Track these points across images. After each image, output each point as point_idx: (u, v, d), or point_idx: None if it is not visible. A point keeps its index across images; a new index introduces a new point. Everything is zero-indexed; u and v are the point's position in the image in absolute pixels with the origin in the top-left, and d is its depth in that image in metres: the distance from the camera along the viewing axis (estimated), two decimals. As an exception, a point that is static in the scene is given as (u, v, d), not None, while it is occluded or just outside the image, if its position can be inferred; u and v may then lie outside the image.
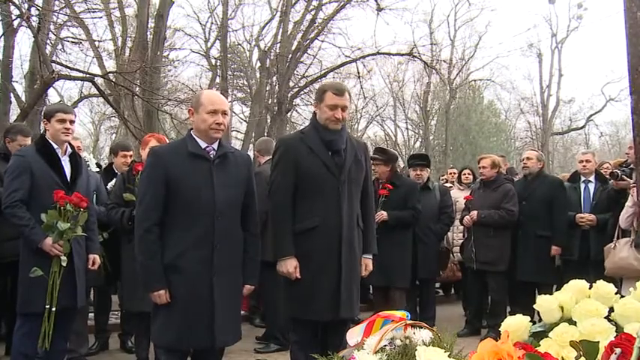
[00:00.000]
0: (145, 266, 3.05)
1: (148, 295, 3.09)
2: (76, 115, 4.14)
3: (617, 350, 1.32)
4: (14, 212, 3.73)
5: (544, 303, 1.76)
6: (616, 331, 1.53)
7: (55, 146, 3.90)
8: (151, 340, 3.46)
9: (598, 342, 1.35)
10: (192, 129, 3.23)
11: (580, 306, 1.67)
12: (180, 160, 3.11)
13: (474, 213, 6.10)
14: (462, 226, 6.68)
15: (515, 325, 1.71)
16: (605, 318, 1.61)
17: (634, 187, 5.04)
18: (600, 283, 1.76)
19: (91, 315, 5.57)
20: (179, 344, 3.09)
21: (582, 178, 6.13)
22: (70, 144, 4.05)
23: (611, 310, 1.67)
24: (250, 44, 20.85)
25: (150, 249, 3.04)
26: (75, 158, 4.03)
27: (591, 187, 6.09)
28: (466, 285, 7.03)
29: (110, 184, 5.16)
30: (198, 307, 3.05)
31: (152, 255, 3.03)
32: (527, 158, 6.32)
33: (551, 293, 6.23)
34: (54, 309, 3.70)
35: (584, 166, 6.09)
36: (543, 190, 6.04)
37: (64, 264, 3.73)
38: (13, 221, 3.78)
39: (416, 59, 18.78)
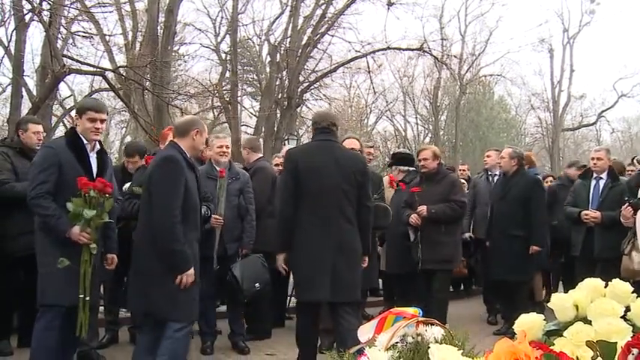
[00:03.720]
0: (179, 252, 3.57)
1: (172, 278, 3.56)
2: (107, 113, 4.13)
3: (635, 351, 1.30)
4: (39, 203, 3.67)
5: (558, 301, 1.74)
6: (633, 331, 1.51)
7: (85, 142, 3.87)
8: (169, 316, 3.64)
9: (616, 343, 1.33)
10: (175, 140, 3.84)
11: (595, 305, 1.65)
12: (187, 170, 3.72)
13: (423, 208, 5.54)
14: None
15: (529, 323, 1.69)
16: (621, 317, 1.59)
17: None
18: (616, 282, 1.74)
19: (102, 308, 5.60)
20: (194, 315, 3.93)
21: (594, 175, 6.08)
22: (99, 141, 4.03)
23: (628, 309, 1.65)
24: (260, 39, 20.83)
25: (181, 238, 3.57)
26: (102, 155, 3.99)
27: (602, 183, 6.02)
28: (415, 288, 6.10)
29: (126, 187, 5.08)
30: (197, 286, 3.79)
31: (183, 242, 3.58)
32: (501, 157, 6.32)
33: (525, 291, 6.20)
34: (88, 298, 3.68)
35: (594, 164, 6.04)
36: (519, 188, 6.01)
37: (94, 252, 3.70)
38: (37, 212, 3.73)
39: (426, 54, 18.76)
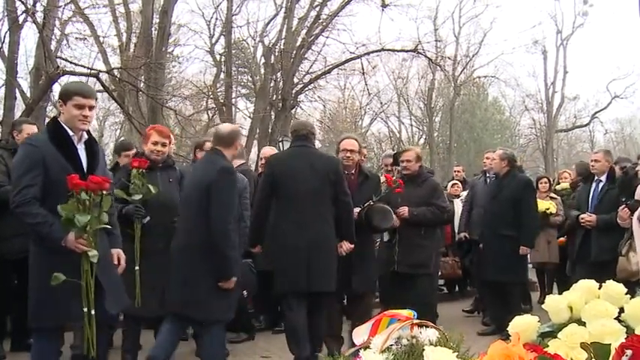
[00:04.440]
0: (231, 257, 3.81)
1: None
2: (97, 99, 3.59)
3: (628, 352, 1.30)
4: (28, 210, 3.19)
5: (552, 303, 1.74)
6: (626, 333, 1.51)
7: (70, 132, 3.35)
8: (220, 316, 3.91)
9: (610, 344, 1.33)
10: (219, 148, 3.98)
11: (590, 306, 1.65)
12: None
13: (405, 210, 5.41)
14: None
15: (524, 325, 1.69)
16: (615, 319, 1.60)
17: None
18: (610, 284, 1.74)
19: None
20: None
21: (595, 178, 6.08)
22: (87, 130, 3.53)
23: (622, 310, 1.65)
24: (255, 40, 20.79)
25: (235, 245, 3.87)
26: (91, 146, 3.48)
27: (600, 186, 6.02)
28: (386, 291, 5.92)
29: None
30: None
31: (234, 249, 3.85)
32: (492, 159, 6.37)
33: (519, 292, 6.21)
34: (93, 312, 3.19)
35: (592, 166, 6.06)
36: (511, 189, 6.03)
37: (95, 260, 3.17)
38: (26, 221, 3.25)
39: (420, 56, 18.73)
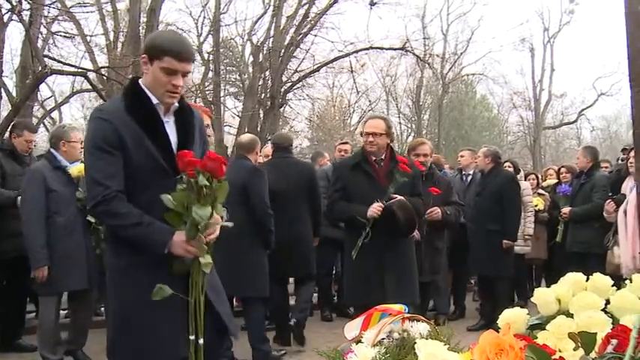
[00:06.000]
0: (273, 232, 4.91)
1: None
2: (194, 61, 2.70)
3: (614, 341, 1.34)
4: (114, 208, 2.32)
5: (541, 295, 1.78)
6: (612, 323, 1.55)
7: (155, 101, 2.46)
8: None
9: (596, 333, 1.37)
10: (243, 154, 5.01)
11: (577, 298, 1.68)
12: None
13: (437, 211, 5.17)
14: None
15: (514, 317, 1.72)
16: (601, 310, 1.63)
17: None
18: (597, 276, 1.78)
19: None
20: None
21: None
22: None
23: (608, 302, 1.69)
24: (243, 39, 20.75)
25: (273, 223, 4.94)
26: (183, 118, 2.57)
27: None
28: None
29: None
30: None
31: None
32: (477, 157, 6.59)
33: (506, 287, 6.44)
34: (201, 341, 2.35)
35: (576, 163, 6.40)
36: (495, 185, 6.17)
37: (208, 269, 2.32)
38: (111, 223, 2.40)
39: (408, 54, 18.79)
